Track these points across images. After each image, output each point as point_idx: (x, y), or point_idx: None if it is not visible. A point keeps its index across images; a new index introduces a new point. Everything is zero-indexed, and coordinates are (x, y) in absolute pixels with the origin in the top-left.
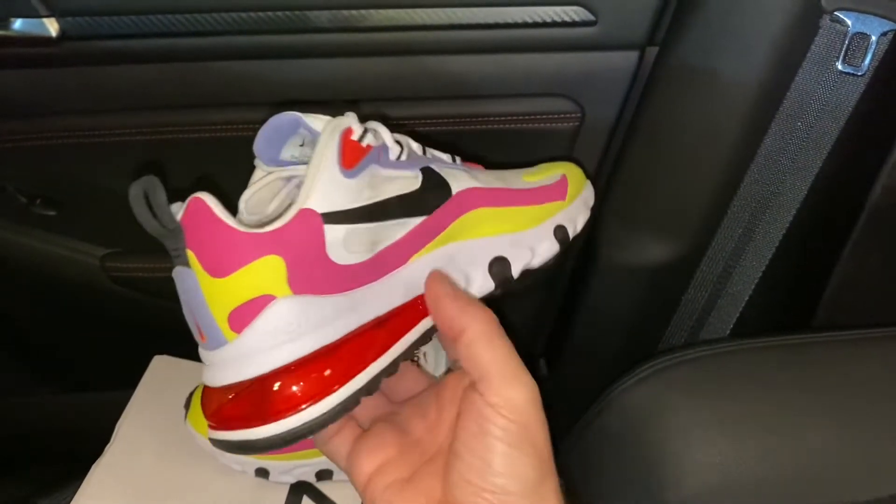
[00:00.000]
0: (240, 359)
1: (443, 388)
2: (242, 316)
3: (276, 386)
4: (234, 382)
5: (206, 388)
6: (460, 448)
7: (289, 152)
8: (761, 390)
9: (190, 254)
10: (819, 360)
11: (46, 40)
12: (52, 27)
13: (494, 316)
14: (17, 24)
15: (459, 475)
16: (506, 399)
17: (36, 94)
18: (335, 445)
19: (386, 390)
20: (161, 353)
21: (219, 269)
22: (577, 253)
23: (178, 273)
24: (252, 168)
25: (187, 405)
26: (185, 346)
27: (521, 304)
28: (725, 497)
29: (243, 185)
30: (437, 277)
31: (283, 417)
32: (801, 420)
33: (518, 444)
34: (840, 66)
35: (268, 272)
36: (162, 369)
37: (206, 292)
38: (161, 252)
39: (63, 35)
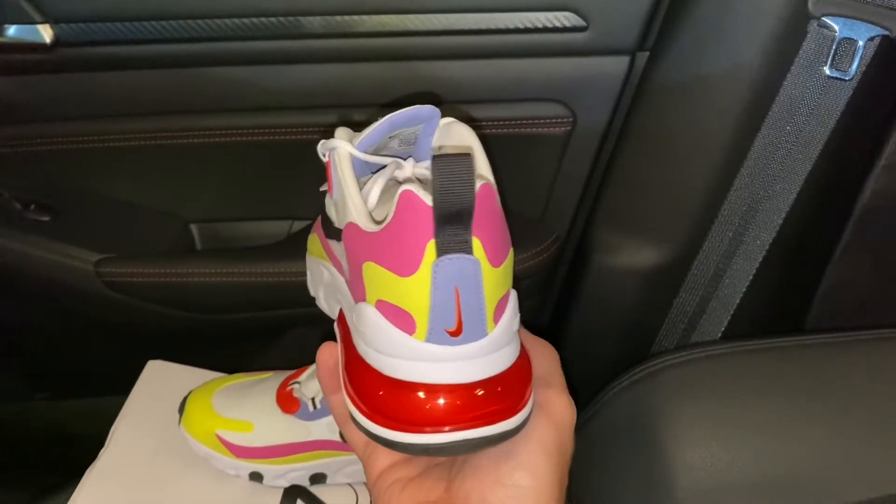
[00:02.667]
0: (496, 351)
1: None
2: (501, 308)
3: (505, 383)
4: (486, 377)
5: (431, 387)
6: None
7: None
8: (754, 392)
9: (476, 241)
10: (811, 363)
11: (40, 46)
12: (45, 33)
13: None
14: (11, 30)
15: (476, 465)
16: (561, 407)
17: (30, 100)
18: (356, 431)
19: None
20: (155, 358)
21: (496, 259)
22: (570, 258)
23: (454, 260)
24: (243, 172)
25: (181, 410)
26: (179, 352)
27: None
28: (718, 499)
29: (238, 187)
30: None
31: (521, 409)
32: (793, 422)
33: (552, 449)
34: (828, 71)
35: (511, 265)
36: (156, 374)
37: (485, 282)
38: (156, 257)
39: (57, 41)
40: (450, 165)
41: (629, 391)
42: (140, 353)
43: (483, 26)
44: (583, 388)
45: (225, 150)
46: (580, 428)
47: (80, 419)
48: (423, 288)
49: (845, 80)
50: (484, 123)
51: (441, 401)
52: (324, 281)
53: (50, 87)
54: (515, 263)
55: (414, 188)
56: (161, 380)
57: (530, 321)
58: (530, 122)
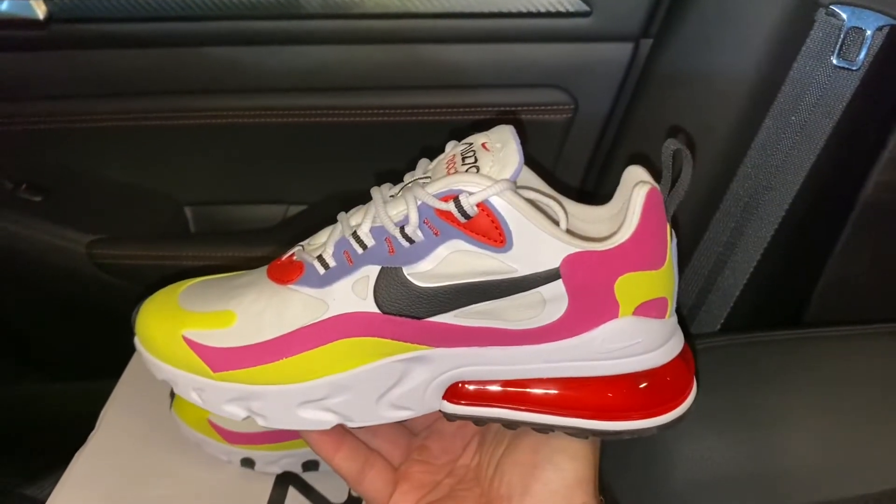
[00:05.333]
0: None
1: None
2: None
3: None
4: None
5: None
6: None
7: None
8: (751, 385)
9: None
10: (810, 356)
11: (34, 22)
12: (39, 9)
13: None
14: (4, 5)
15: (514, 460)
16: None
17: (23, 77)
18: (371, 486)
19: (408, 423)
20: None
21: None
22: None
23: (674, 238)
24: (238, 155)
25: (173, 394)
26: None
27: None
28: (715, 490)
29: (234, 170)
30: None
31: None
32: (791, 415)
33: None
34: (835, 61)
35: None
36: None
37: None
38: (149, 240)
39: (50, 17)
40: (682, 155)
41: None
42: (131, 336)
43: (485, 9)
44: None
45: (220, 132)
46: None
47: (70, 403)
48: (670, 271)
49: (853, 70)
50: (484, 109)
51: (674, 374)
52: (398, 383)
53: (43, 64)
54: None
55: (654, 185)
56: None
57: None
58: (531, 108)
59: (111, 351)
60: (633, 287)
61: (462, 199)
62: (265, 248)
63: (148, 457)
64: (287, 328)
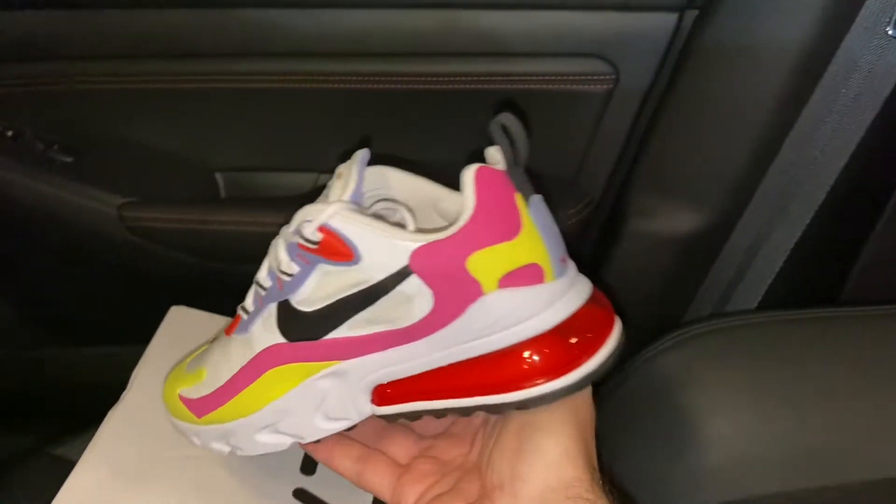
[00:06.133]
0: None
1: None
2: None
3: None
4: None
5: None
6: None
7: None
8: (790, 363)
9: None
10: (849, 335)
11: None
12: None
13: None
14: None
15: (501, 446)
16: None
17: (53, 36)
18: (373, 479)
19: (418, 428)
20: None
21: None
22: (601, 222)
23: (535, 200)
24: (270, 121)
25: None
26: (201, 302)
27: None
28: (750, 468)
29: (265, 137)
30: None
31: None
32: (829, 394)
33: (566, 412)
34: (891, 31)
35: None
36: (179, 320)
37: None
38: (180, 203)
39: None
40: (509, 123)
41: (662, 358)
42: (160, 301)
43: None
44: None
45: (253, 97)
46: (610, 394)
47: (97, 367)
48: (534, 234)
49: None
50: (520, 78)
51: (578, 333)
52: (324, 399)
53: (74, 24)
54: None
55: (482, 165)
56: (184, 325)
57: None
58: (570, 77)
59: (139, 316)
60: (487, 263)
61: (304, 228)
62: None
63: None
64: (233, 371)
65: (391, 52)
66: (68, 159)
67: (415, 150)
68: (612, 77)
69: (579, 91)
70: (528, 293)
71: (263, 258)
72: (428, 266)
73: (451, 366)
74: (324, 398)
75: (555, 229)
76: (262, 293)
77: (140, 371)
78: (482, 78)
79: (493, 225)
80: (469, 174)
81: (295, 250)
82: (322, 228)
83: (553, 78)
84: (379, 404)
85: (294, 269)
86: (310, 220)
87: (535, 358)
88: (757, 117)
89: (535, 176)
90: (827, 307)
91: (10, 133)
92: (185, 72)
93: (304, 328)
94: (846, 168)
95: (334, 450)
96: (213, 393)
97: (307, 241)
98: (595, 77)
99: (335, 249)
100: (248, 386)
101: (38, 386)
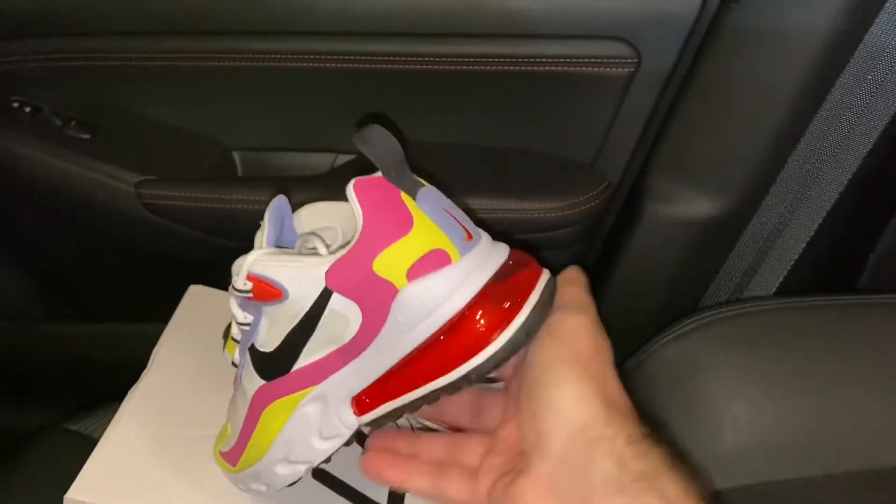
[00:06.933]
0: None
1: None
2: None
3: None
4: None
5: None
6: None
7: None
8: (805, 349)
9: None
10: (867, 322)
11: None
12: None
13: None
14: None
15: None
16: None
17: (72, 12)
18: (451, 491)
19: (480, 425)
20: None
21: None
22: (618, 206)
23: (423, 191)
24: (289, 100)
25: (225, 336)
26: (218, 281)
27: (555, 255)
28: (767, 454)
29: (284, 116)
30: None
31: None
32: (846, 381)
33: (570, 357)
34: None
35: None
36: (198, 298)
37: None
38: (198, 182)
39: None
40: (372, 135)
41: (678, 342)
42: (178, 280)
43: None
44: (626, 341)
45: (272, 75)
46: (626, 378)
47: (114, 344)
48: (427, 224)
49: None
50: (541, 60)
51: (503, 296)
52: (314, 422)
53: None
54: (562, 210)
55: (357, 178)
56: (203, 304)
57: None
58: (591, 60)
59: (157, 295)
60: (391, 261)
61: (236, 281)
62: (314, 194)
63: (201, 395)
64: (242, 419)
65: (412, 33)
66: (86, 136)
67: (434, 131)
68: (634, 60)
69: (600, 74)
70: (436, 277)
71: None
72: (342, 282)
73: (402, 362)
74: (313, 422)
75: (452, 212)
76: (237, 345)
77: (160, 350)
78: (503, 60)
79: (386, 226)
80: (349, 190)
81: (243, 302)
82: (249, 277)
83: (574, 60)
84: (360, 414)
85: (248, 318)
86: (237, 273)
87: (465, 332)
88: (781, 103)
89: (547, 159)
90: (845, 294)
91: (28, 108)
92: (205, 50)
93: (273, 366)
94: (869, 155)
95: (407, 476)
96: (236, 443)
97: (244, 291)
98: (617, 60)
99: (266, 292)
100: (254, 429)
101: (54, 361)
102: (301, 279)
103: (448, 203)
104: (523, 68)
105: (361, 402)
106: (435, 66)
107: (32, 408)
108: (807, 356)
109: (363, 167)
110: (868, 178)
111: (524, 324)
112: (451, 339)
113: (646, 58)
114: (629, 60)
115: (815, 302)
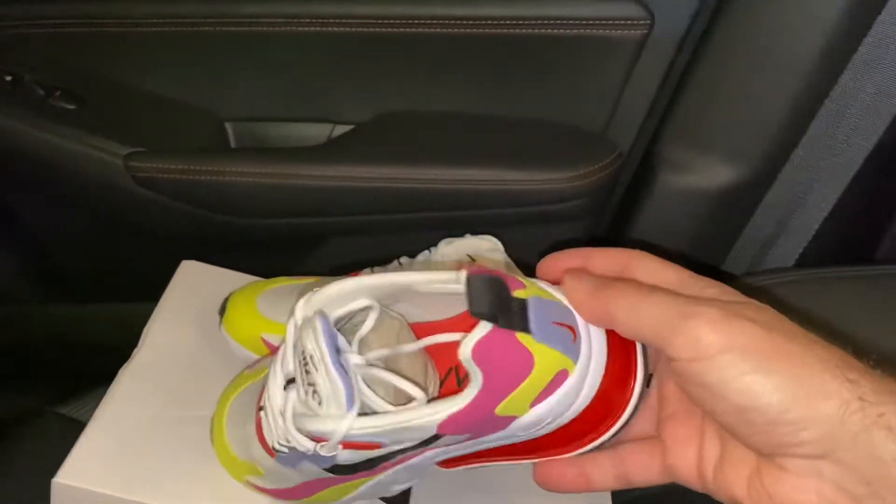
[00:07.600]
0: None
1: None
2: None
3: None
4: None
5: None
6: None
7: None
8: (823, 320)
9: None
10: (882, 293)
11: None
12: None
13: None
14: None
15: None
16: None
17: None
18: (639, 474)
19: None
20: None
21: None
22: (629, 176)
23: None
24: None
25: (222, 311)
26: (210, 257)
27: (563, 228)
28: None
29: (278, 85)
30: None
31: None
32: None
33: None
34: None
35: None
36: (190, 274)
37: None
38: (188, 153)
39: None
40: (471, 290)
41: None
42: (170, 256)
43: None
44: None
45: (265, 41)
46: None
47: (104, 324)
48: (546, 353)
49: None
50: (551, 22)
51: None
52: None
53: None
54: (571, 180)
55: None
56: (196, 280)
57: (582, 241)
58: (602, 22)
59: (147, 273)
60: (515, 403)
61: (321, 450)
62: (309, 167)
63: (195, 372)
64: (286, 484)
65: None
66: (71, 106)
67: (438, 99)
68: (647, 22)
69: (612, 37)
70: (558, 396)
71: (276, 211)
72: (455, 426)
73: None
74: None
75: (556, 315)
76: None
77: (151, 327)
78: (509, 22)
79: (507, 376)
80: (465, 354)
81: (322, 460)
82: (343, 444)
83: (584, 22)
84: (445, 467)
85: (327, 463)
86: (323, 444)
87: (575, 428)
88: (802, 65)
89: (555, 127)
90: (864, 265)
91: (8, 77)
92: (196, 14)
93: (346, 469)
94: (893, 123)
95: (589, 474)
96: (277, 493)
97: (331, 456)
98: (629, 22)
99: (361, 447)
100: (308, 496)
101: (42, 343)
102: (407, 432)
103: (549, 304)
104: (530, 31)
105: (447, 461)
106: (439, 30)
107: (20, 391)
108: (825, 327)
109: (363, 140)
110: (889, 152)
111: (632, 409)
112: (556, 439)
113: (659, 19)
114: (642, 22)
115: (832, 273)
